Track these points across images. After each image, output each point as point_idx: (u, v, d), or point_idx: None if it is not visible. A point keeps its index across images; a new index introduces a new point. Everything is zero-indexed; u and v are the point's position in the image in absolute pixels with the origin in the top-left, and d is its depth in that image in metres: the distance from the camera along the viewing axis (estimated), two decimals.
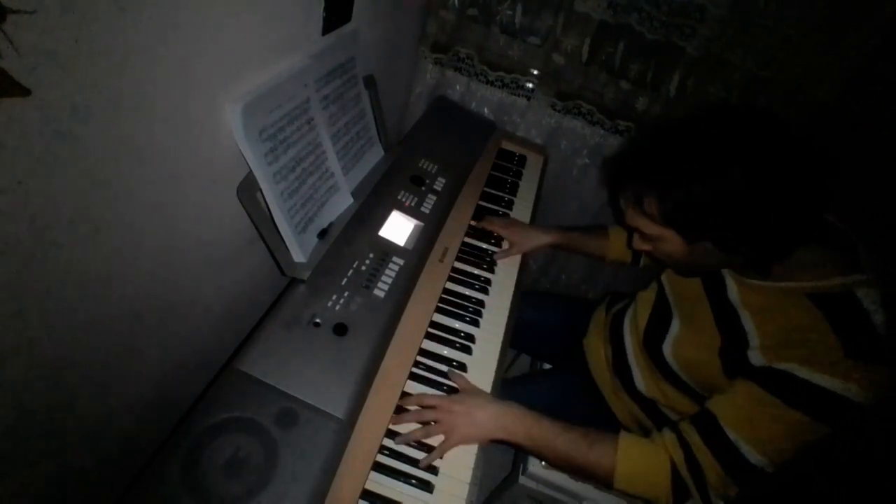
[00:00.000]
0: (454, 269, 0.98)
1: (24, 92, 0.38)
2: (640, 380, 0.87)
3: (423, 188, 1.03)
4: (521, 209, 1.17)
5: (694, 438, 0.67)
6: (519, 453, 1.05)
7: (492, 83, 1.37)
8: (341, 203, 0.89)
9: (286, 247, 0.75)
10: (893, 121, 1.10)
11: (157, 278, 0.64)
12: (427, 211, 0.99)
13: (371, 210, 0.92)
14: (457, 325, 0.90)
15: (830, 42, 1.09)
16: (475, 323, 0.91)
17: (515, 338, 0.96)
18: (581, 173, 1.46)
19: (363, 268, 0.83)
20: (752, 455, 0.63)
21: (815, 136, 0.61)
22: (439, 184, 1.06)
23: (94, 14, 0.41)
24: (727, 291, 0.75)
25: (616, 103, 1.34)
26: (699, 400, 0.78)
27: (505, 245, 1.07)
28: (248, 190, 0.69)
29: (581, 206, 1.52)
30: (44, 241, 0.46)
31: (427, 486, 0.69)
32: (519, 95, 1.38)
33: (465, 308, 0.93)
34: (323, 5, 0.77)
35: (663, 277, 0.90)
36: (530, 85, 1.37)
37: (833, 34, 1.08)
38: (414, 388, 0.79)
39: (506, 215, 1.14)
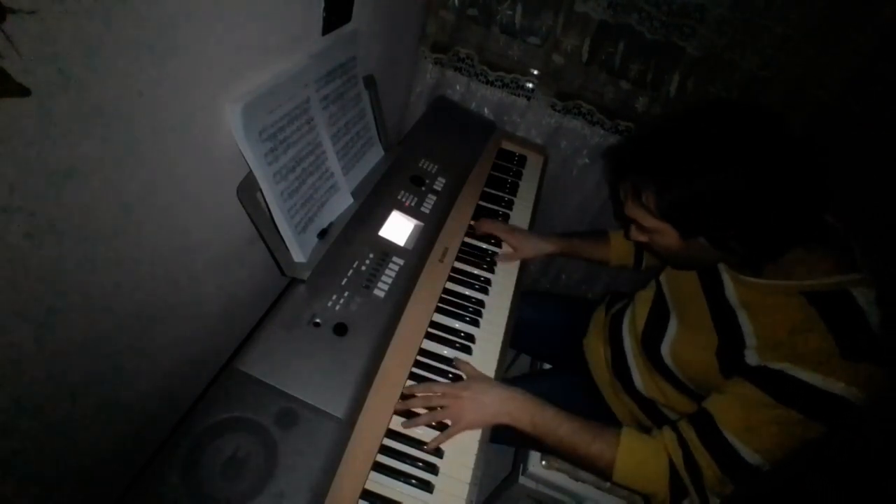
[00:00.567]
0: (454, 269, 0.98)
1: (24, 92, 0.38)
2: (640, 380, 0.87)
3: (423, 188, 1.03)
4: (521, 209, 1.17)
5: (692, 438, 0.68)
6: (519, 453, 1.05)
7: (492, 83, 1.37)
8: (341, 203, 0.89)
9: (286, 247, 0.75)
10: (893, 121, 1.10)
11: (156, 278, 0.64)
12: (427, 211, 0.99)
13: (371, 210, 0.92)
14: (457, 325, 0.90)
15: (830, 42, 1.09)
16: (475, 323, 0.91)
17: (515, 338, 0.96)
18: (581, 173, 1.46)
19: (363, 268, 0.83)
20: (749, 454, 0.64)
21: (815, 136, 0.61)
22: (439, 184, 1.06)
23: (94, 14, 0.41)
24: (724, 290, 0.75)
25: (616, 103, 1.34)
26: (698, 399, 0.78)
27: (506, 249, 1.07)
28: (248, 190, 0.69)
29: (581, 207, 1.52)
30: (43, 242, 0.46)
31: (427, 486, 0.69)
32: (519, 95, 1.38)
33: (465, 308, 0.93)
34: (323, 5, 0.77)
35: (662, 277, 0.91)
36: (530, 85, 1.37)
37: (833, 34, 1.08)
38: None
39: (506, 216, 1.14)
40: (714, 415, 0.67)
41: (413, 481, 0.69)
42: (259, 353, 0.67)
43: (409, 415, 0.75)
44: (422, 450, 0.72)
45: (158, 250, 0.62)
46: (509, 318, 0.95)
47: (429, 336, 0.86)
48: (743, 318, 0.70)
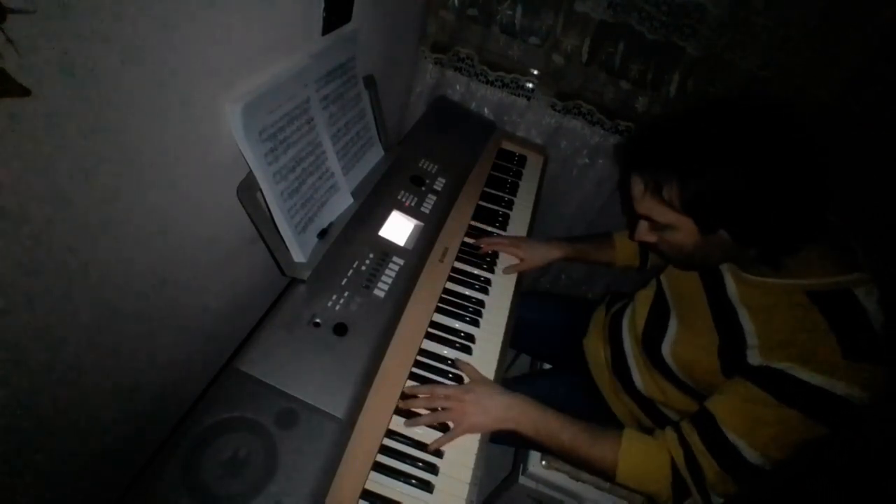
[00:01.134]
0: (454, 269, 0.98)
1: (24, 92, 0.38)
2: (639, 379, 0.87)
3: (423, 188, 1.03)
4: (521, 209, 1.17)
5: (693, 438, 0.68)
6: (519, 453, 1.05)
7: (492, 83, 1.37)
8: (341, 203, 0.89)
9: (286, 247, 0.75)
10: (893, 121, 1.10)
11: (156, 278, 0.64)
12: (427, 211, 0.99)
13: (371, 210, 0.92)
14: (457, 325, 0.90)
15: (830, 42, 1.09)
16: (475, 323, 0.91)
17: (515, 338, 0.96)
18: (581, 173, 1.46)
19: (363, 268, 0.83)
20: (751, 455, 0.64)
21: (815, 136, 0.61)
22: (439, 184, 1.06)
23: (94, 14, 0.41)
24: (726, 288, 0.74)
25: (616, 103, 1.34)
26: (698, 399, 0.78)
27: (510, 259, 1.04)
28: (248, 190, 0.69)
29: (581, 207, 1.52)
30: (42, 242, 0.46)
31: (427, 486, 0.69)
32: (519, 95, 1.38)
33: (465, 308, 0.93)
34: (323, 5, 0.77)
35: (662, 276, 0.90)
36: (530, 85, 1.37)
37: (833, 34, 1.08)
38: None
39: (506, 216, 1.14)
40: (716, 415, 0.67)
41: (413, 481, 0.69)
42: (259, 353, 0.67)
43: (410, 414, 0.75)
44: (422, 450, 0.72)
45: (158, 250, 0.62)
46: (509, 318, 0.95)
47: (429, 336, 0.86)
48: (744, 317, 0.70)
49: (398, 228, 0.93)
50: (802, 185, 0.59)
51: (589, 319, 1.08)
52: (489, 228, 1.10)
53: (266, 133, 0.68)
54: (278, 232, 0.73)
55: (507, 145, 1.33)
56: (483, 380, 0.81)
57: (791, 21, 1.10)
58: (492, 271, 1.01)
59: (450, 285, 0.95)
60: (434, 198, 1.02)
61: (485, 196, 1.16)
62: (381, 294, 0.81)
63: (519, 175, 1.26)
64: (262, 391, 0.64)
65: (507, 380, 0.97)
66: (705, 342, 0.74)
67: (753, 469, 0.64)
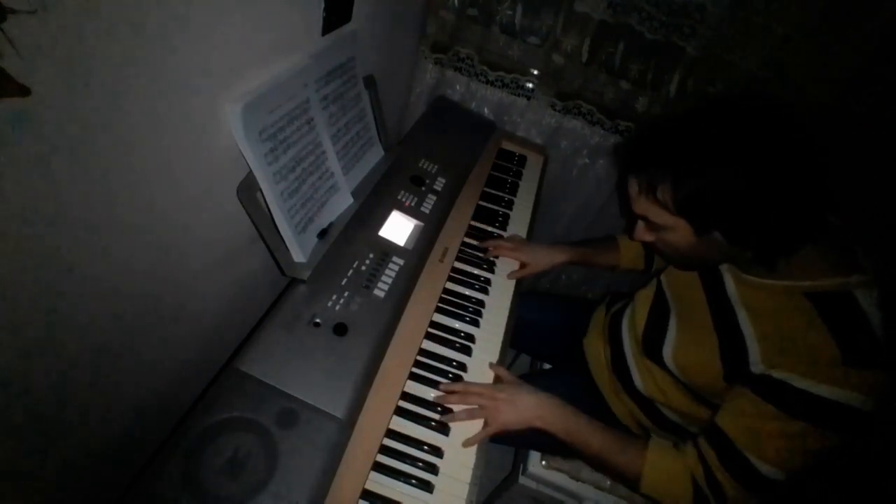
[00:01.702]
0: (454, 269, 0.98)
1: (24, 92, 0.38)
2: (639, 379, 0.87)
3: (423, 188, 1.03)
4: (521, 209, 1.17)
5: (710, 456, 0.68)
6: (519, 453, 1.05)
7: (492, 83, 1.37)
8: (341, 203, 0.89)
9: (286, 247, 0.75)
10: (893, 121, 1.10)
11: (156, 278, 0.64)
12: (427, 211, 0.99)
13: (371, 210, 0.92)
14: (457, 325, 0.90)
15: (830, 42, 1.09)
16: (475, 323, 0.91)
17: (515, 338, 0.96)
18: (581, 173, 1.46)
19: (363, 268, 0.83)
20: (766, 469, 0.63)
21: (812, 136, 0.61)
22: (439, 184, 1.06)
23: (95, 14, 0.41)
24: (726, 290, 0.74)
25: (616, 103, 1.34)
26: (698, 400, 0.78)
27: (513, 264, 1.04)
28: (248, 190, 0.69)
29: (581, 207, 1.52)
30: (42, 242, 0.46)
31: (427, 486, 0.69)
32: (519, 95, 1.38)
33: (465, 308, 0.93)
34: (323, 5, 0.77)
35: (662, 276, 0.90)
36: (530, 85, 1.37)
37: (833, 34, 1.08)
38: (414, 388, 0.79)
39: (506, 216, 1.14)
40: (727, 432, 0.67)
41: (413, 481, 0.69)
42: (259, 353, 0.67)
43: (445, 410, 0.78)
44: (422, 450, 0.72)
45: (157, 250, 0.62)
46: (509, 318, 0.95)
47: (429, 336, 0.86)
48: (743, 319, 0.69)
49: (398, 228, 0.93)
50: (796, 186, 0.59)
51: (589, 319, 1.08)
52: (489, 228, 1.10)
53: (266, 133, 0.68)
54: (278, 232, 0.73)
55: (507, 145, 1.33)
56: (516, 380, 0.83)
57: (791, 21, 1.10)
58: (492, 271, 1.01)
59: (450, 285, 0.95)
60: (434, 198, 1.02)
61: (485, 196, 1.16)
62: (381, 294, 0.81)
63: (519, 175, 1.26)
64: (262, 391, 0.64)
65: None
66: (705, 344, 0.73)
67: (771, 482, 0.64)
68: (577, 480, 0.95)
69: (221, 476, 0.56)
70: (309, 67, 0.76)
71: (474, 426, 0.77)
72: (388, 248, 0.88)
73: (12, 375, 0.50)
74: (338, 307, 0.76)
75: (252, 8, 0.60)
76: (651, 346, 0.83)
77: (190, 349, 0.80)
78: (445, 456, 0.73)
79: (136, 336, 0.66)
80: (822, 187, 0.60)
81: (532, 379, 1.15)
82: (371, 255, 0.85)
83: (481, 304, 0.94)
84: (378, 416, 0.72)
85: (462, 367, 0.84)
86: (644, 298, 0.91)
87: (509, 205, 1.17)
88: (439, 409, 0.77)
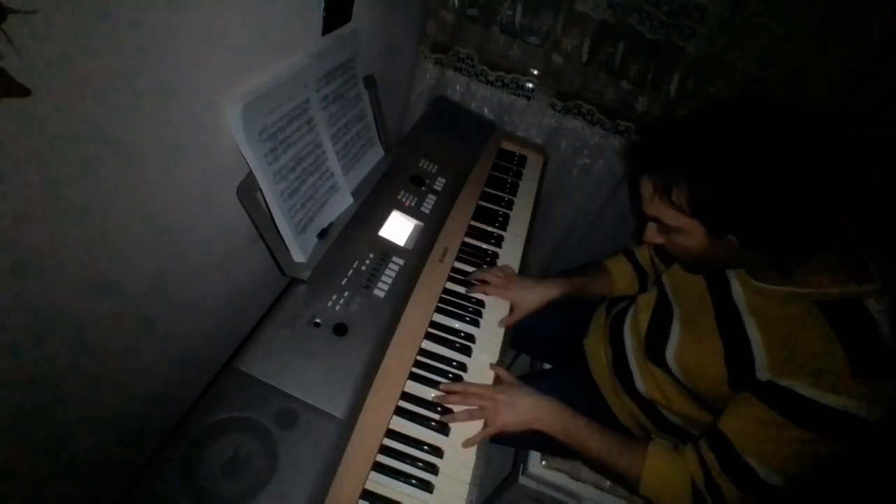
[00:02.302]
0: (454, 269, 0.98)
1: (24, 92, 0.38)
2: (641, 381, 0.87)
3: (423, 188, 1.03)
4: (521, 209, 1.17)
5: (711, 460, 0.68)
6: (519, 453, 1.05)
7: (492, 83, 1.37)
8: (341, 203, 0.89)
9: (286, 247, 0.75)
10: (893, 121, 1.10)
11: (156, 278, 0.64)
12: (427, 211, 0.99)
13: (371, 210, 0.92)
14: (457, 325, 0.90)
15: (830, 42, 1.09)
16: (475, 323, 0.91)
17: (515, 338, 0.96)
18: (581, 173, 1.46)
19: (363, 268, 0.83)
20: (767, 475, 0.63)
21: (824, 139, 0.60)
22: (439, 184, 1.06)
23: (95, 14, 0.41)
24: (732, 295, 0.73)
25: (616, 103, 1.34)
26: (700, 403, 0.78)
27: (490, 299, 0.96)
28: (248, 190, 0.69)
29: (581, 207, 1.52)
30: (42, 242, 0.46)
31: (427, 486, 0.69)
32: (519, 95, 1.38)
33: (465, 308, 0.92)
34: (323, 5, 0.77)
35: (664, 277, 0.90)
36: (530, 85, 1.37)
37: (833, 34, 1.08)
38: (414, 388, 0.79)
39: (505, 216, 1.14)
40: (730, 438, 0.66)
41: (413, 481, 0.69)
42: (259, 353, 0.67)
43: (446, 410, 0.78)
44: (422, 450, 0.72)
45: (157, 250, 0.62)
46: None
47: (429, 336, 0.86)
48: (750, 327, 0.68)
49: (398, 228, 0.93)
50: (812, 188, 0.58)
51: (589, 320, 1.08)
52: (489, 228, 1.10)
53: (266, 133, 0.68)
54: (278, 232, 0.73)
55: (507, 145, 1.33)
56: (516, 381, 0.83)
57: (791, 21, 1.10)
58: None
59: (450, 285, 0.95)
60: (434, 198, 1.02)
61: (485, 196, 1.16)
62: (381, 294, 0.81)
63: (519, 175, 1.26)
64: (262, 391, 0.64)
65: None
66: (710, 348, 0.73)
67: (772, 488, 0.63)
68: (577, 480, 0.95)
69: (221, 476, 0.56)
70: (309, 67, 0.76)
71: (474, 426, 0.77)
72: (388, 248, 0.88)
73: (11, 376, 0.50)
74: (338, 307, 0.76)
75: (252, 8, 0.61)
76: (654, 347, 0.83)
77: (190, 349, 0.80)
78: (445, 456, 0.73)
79: (136, 336, 0.66)
80: (833, 190, 0.59)
81: (532, 379, 1.15)
82: (371, 255, 0.85)
83: (481, 304, 0.94)
84: (378, 416, 0.72)
85: (462, 367, 0.84)
86: (646, 301, 0.91)
87: (509, 205, 1.17)
88: (439, 409, 0.77)
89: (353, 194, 0.92)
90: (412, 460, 0.71)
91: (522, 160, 1.30)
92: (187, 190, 0.63)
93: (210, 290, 0.79)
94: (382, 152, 1.04)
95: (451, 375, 0.82)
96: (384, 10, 1.03)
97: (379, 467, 0.69)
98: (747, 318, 0.70)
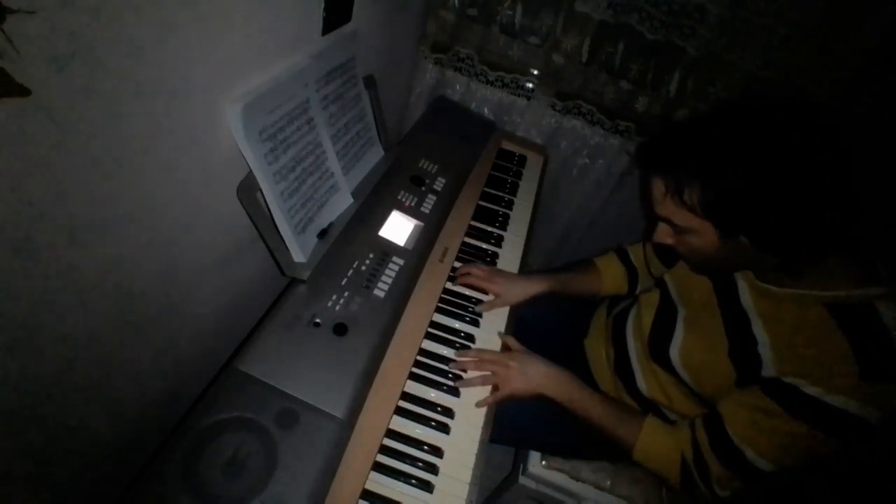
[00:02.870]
0: (454, 269, 0.98)
1: (24, 92, 0.38)
2: (643, 382, 0.87)
3: (423, 188, 1.03)
4: (521, 209, 1.17)
5: (703, 439, 0.70)
6: (519, 453, 1.05)
7: (492, 83, 1.37)
8: (341, 203, 0.89)
9: (286, 247, 0.75)
10: (893, 121, 1.10)
11: (156, 278, 0.64)
12: (427, 211, 0.99)
13: (371, 210, 0.92)
14: (457, 325, 0.90)
15: (830, 42, 1.09)
16: (475, 323, 0.91)
17: (515, 338, 0.96)
18: (581, 173, 1.46)
19: (363, 268, 0.83)
20: (756, 460, 0.64)
21: (842, 142, 0.59)
22: (439, 184, 1.06)
23: (95, 14, 0.41)
24: (739, 297, 0.73)
25: (616, 103, 1.34)
26: (701, 402, 0.78)
27: (489, 298, 0.96)
28: (248, 190, 0.69)
29: (581, 207, 1.52)
30: (43, 242, 0.46)
31: (427, 486, 0.69)
32: (519, 95, 1.38)
33: (465, 308, 0.92)
34: (323, 5, 0.77)
35: (667, 277, 0.89)
36: (530, 85, 1.37)
37: (833, 34, 1.08)
38: (414, 388, 0.79)
39: (505, 216, 1.14)
40: (725, 418, 0.68)
41: (413, 481, 0.69)
42: (259, 353, 0.67)
43: (444, 411, 0.78)
44: (422, 450, 0.72)
45: (158, 250, 0.62)
46: (509, 318, 0.94)
47: (429, 336, 0.86)
48: (758, 328, 0.68)
49: (398, 228, 0.93)
50: (826, 191, 0.58)
51: (589, 320, 1.08)
52: (489, 228, 1.10)
53: (266, 133, 0.68)
54: (278, 232, 0.73)
55: (507, 145, 1.33)
56: (526, 350, 0.86)
57: (791, 21, 1.10)
58: None
59: (450, 285, 0.95)
60: (434, 198, 1.02)
61: (485, 196, 1.16)
62: (381, 294, 0.81)
63: (519, 175, 1.26)
64: (262, 391, 0.64)
65: None
66: (716, 347, 0.73)
67: (760, 472, 0.65)
68: (577, 480, 0.94)
69: (221, 476, 0.56)
70: (309, 67, 0.76)
71: (474, 426, 0.77)
72: (388, 248, 0.88)
73: (11, 376, 0.50)
74: (338, 307, 0.76)
75: (252, 8, 0.61)
76: (658, 348, 0.83)
77: (190, 349, 0.80)
78: (445, 456, 0.73)
79: (136, 336, 0.66)
80: (850, 193, 0.59)
81: None
82: (371, 255, 0.85)
83: (482, 303, 0.94)
84: (378, 416, 0.72)
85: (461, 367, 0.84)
86: (649, 301, 0.91)
87: (509, 205, 1.17)
88: (439, 409, 0.77)
89: (353, 194, 0.92)
90: (412, 460, 0.71)
91: (522, 160, 1.30)
92: (187, 190, 0.63)
93: (210, 290, 0.79)
94: (382, 152, 1.04)
95: (450, 375, 0.82)
96: (384, 10, 1.03)
97: (379, 467, 0.69)
98: (755, 320, 0.69)
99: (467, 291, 0.95)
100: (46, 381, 0.54)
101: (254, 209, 0.70)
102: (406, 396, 0.77)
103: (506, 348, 0.88)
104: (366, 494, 0.66)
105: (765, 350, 0.66)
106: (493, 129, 1.34)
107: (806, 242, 0.61)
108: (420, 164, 1.08)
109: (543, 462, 0.95)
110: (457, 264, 0.99)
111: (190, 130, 0.59)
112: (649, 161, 0.69)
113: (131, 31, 0.45)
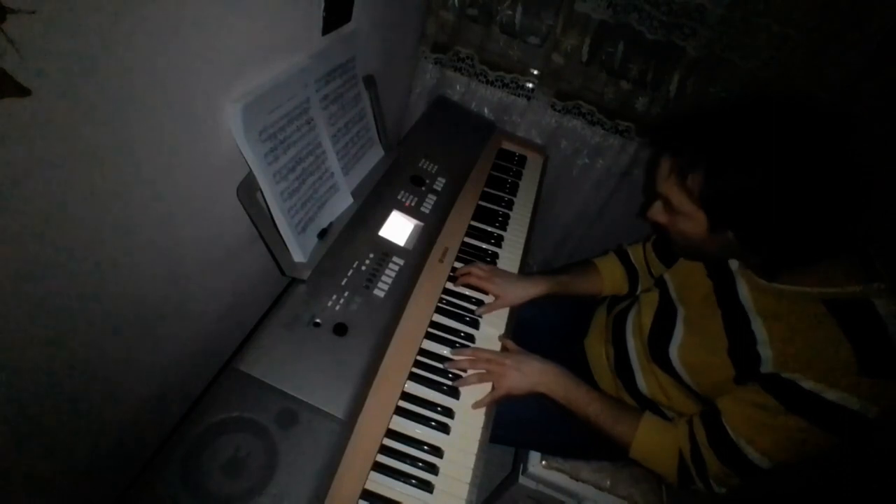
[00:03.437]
0: (454, 269, 0.98)
1: (24, 92, 0.38)
2: (643, 382, 0.87)
3: (423, 188, 1.03)
4: (521, 209, 1.17)
5: (700, 435, 0.71)
6: (519, 453, 1.05)
7: (492, 83, 1.37)
8: (341, 203, 0.89)
9: (286, 247, 0.75)
10: (894, 121, 1.10)
11: (156, 278, 0.64)
12: (427, 211, 0.99)
13: (371, 210, 0.92)
14: (457, 325, 0.90)
15: (830, 42, 1.09)
16: (475, 323, 0.91)
17: (515, 338, 0.96)
18: (581, 173, 1.46)
19: (363, 268, 0.83)
20: (754, 456, 0.65)
21: (851, 149, 0.59)
22: (439, 184, 1.06)
23: (95, 14, 0.41)
24: (739, 295, 0.73)
25: (616, 103, 1.34)
26: (701, 402, 0.78)
27: (489, 299, 0.96)
28: (248, 190, 0.69)
29: (581, 207, 1.52)
30: (43, 242, 0.46)
31: (427, 486, 0.69)
32: (519, 95, 1.38)
33: (465, 308, 0.92)
34: (323, 5, 0.77)
35: (667, 277, 0.90)
36: (530, 85, 1.37)
37: (833, 34, 1.08)
38: (414, 388, 0.79)
39: (506, 216, 1.14)
40: (723, 413, 0.69)
41: (413, 481, 0.69)
42: (259, 353, 0.67)
43: (444, 411, 0.78)
44: (422, 450, 0.72)
45: (158, 251, 0.62)
46: (509, 318, 0.94)
47: (429, 336, 0.86)
48: (757, 325, 0.69)
49: (398, 228, 0.93)
50: (828, 201, 0.58)
51: (589, 320, 1.08)
52: (489, 228, 1.10)
53: (266, 133, 0.68)
54: (278, 232, 0.73)
55: (507, 145, 1.33)
56: (521, 350, 0.87)
57: (791, 21, 1.10)
58: None
59: (450, 285, 0.95)
60: (434, 198, 1.02)
61: (485, 196, 1.16)
62: (381, 294, 0.81)
63: (519, 175, 1.26)
64: (262, 391, 0.64)
65: None
66: (716, 346, 0.73)
67: (756, 468, 0.65)
68: (577, 480, 0.94)
69: (221, 476, 0.56)
70: (309, 67, 0.76)
71: (474, 426, 0.77)
72: (388, 248, 0.88)
73: (11, 376, 0.50)
74: (338, 307, 0.76)
75: (252, 8, 0.61)
76: (657, 347, 0.83)
77: (190, 349, 0.80)
78: (445, 456, 0.73)
79: (136, 336, 0.66)
80: (847, 201, 0.59)
81: None
82: (371, 255, 0.85)
83: (481, 303, 0.94)
84: (378, 416, 0.72)
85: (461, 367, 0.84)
86: (649, 300, 0.91)
87: (509, 205, 1.17)
88: (439, 409, 0.77)
89: (353, 194, 0.92)
90: (412, 460, 0.71)
91: (522, 160, 1.30)
92: (187, 190, 0.63)
93: (210, 290, 0.79)
94: (382, 152, 1.04)
95: (450, 375, 0.82)
96: (384, 10, 1.03)
97: (379, 467, 0.69)
98: (754, 318, 0.70)
99: (467, 291, 0.95)
100: (45, 382, 0.54)
101: (254, 209, 0.70)
102: (406, 396, 0.77)
103: (504, 350, 0.88)
104: (366, 494, 0.66)
105: (764, 347, 0.67)
106: (492, 129, 1.34)
107: (795, 248, 0.63)
108: (420, 164, 1.08)
109: (543, 462, 0.95)
110: (457, 264, 0.99)
111: (190, 130, 0.59)
112: (665, 139, 0.70)
113: (131, 32, 0.45)
